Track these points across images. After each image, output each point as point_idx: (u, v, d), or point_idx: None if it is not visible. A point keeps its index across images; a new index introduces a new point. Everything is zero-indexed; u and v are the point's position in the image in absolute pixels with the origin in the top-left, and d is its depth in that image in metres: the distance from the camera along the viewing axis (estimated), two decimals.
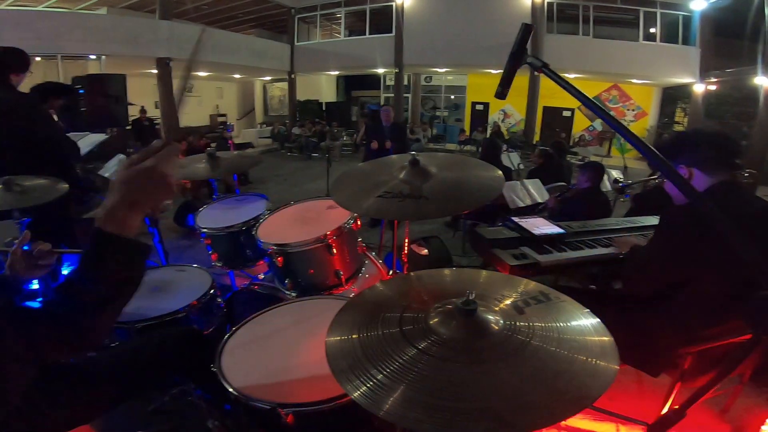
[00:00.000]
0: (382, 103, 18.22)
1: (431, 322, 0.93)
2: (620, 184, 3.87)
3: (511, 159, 6.57)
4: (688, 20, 13.36)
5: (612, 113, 0.93)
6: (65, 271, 2.79)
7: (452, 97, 18.51)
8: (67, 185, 2.23)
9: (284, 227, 2.06)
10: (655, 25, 13.55)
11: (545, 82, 13.35)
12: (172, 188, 0.89)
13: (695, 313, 1.58)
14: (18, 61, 2.58)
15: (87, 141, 3.82)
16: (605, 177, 4.22)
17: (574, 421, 1.99)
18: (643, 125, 15.51)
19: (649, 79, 14.42)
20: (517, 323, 0.92)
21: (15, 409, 1.04)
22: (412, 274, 1.25)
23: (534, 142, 14.08)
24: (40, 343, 0.85)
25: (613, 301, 1.88)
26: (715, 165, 1.59)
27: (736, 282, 1.41)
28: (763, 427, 1.91)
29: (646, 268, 1.71)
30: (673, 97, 15.73)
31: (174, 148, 0.90)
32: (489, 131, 15.49)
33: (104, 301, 0.86)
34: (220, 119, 16.77)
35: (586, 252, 2.23)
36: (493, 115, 17.16)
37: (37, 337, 0.85)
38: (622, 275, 1.84)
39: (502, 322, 0.92)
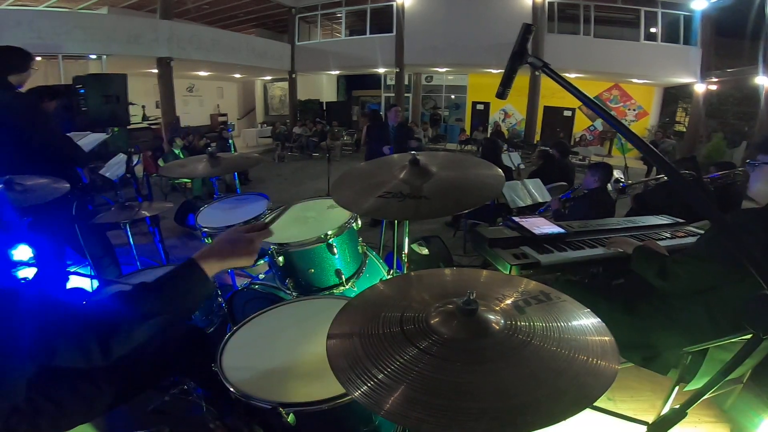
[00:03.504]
0: (383, 102, 18.21)
1: (432, 322, 0.93)
2: (621, 185, 3.86)
3: (512, 159, 6.57)
4: (689, 20, 13.32)
5: (613, 113, 0.93)
6: (71, 269, 2.80)
7: (453, 96, 18.49)
8: (67, 184, 2.23)
9: (285, 227, 2.07)
10: (656, 25, 13.52)
11: (546, 82, 13.33)
12: (252, 255, 1.14)
13: (718, 315, 1.58)
14: (17, 60, 2.56)
15: (88, 140, 3.82)
16: None
17: (574, 421, 1.99)
18: (644, 125, 15.49)
19: (650, 78, 14.39)
20: (518, 323, 0.92)
21: (18, 409, 1.05)
22: (412, 273, 1.25)
23: (535, 142, 14.08)
24: (62, 345, 0.88)
25: (620, 299, 1.89)
26: None
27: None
28: (762, 427, 1.91)
29: (692, 263, 1.64)
30: (674, 96, 15.70)
31: (268, 232, 1.20)
32: (489, 131, 15.49)
33: (155, 315, 0.99)
34: (221, 119, 16.76)
35: (587, 252, 2.23)
36: (494, 115, 17.15)
37: (57, 339, 0.88)
38: (660, 272, 1.72)
39: (502, 321, 0.92)
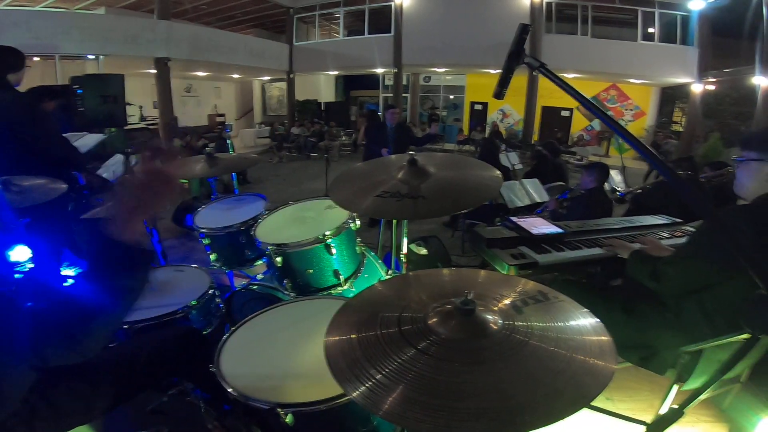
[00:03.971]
0: (380, 102, 18.20)
1: (430, 322, 0.93)
2: (618, 194, 3.86)
3: (510, 159, 6.58)
4: (686, 20, 13.37)
5: (610, 113, 0.93)
6: (65, 271, 2.79)
7: (451, 96, 18.51)
8: (65, 185, 2.22)
9: (283, 227, 2.06)
10: (653, 25, 13.56)
11: (544, 82, 13.33)
12: (175, 191, 0.90)
13: (713, 314, 1.58)
14: (12, 59, 2.58)
15: (85, 141, 3.80)
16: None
17: (573, 421, 1.99)
18: (642, 125, 15.52)
19: (647, 78, 14.43)
20: (516, 323, 0.92)
21: (14, 410, 1.04)
22: (410, 273, 1.25)
23: (532, 142, 14.09)
24: (44, 347, 0.86)
25: (618, 299, 1.89)
26: None
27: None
28: (761, 427, 1.91)
29: (683, 263, 1.64)
30: (671, 97, 15.75)
31: (175, 150, 0.95)
32: (488, 131, 15.50)
33: (101, 307, 0.87)
34: (219, 119, 16.74)
35: (585, 252, 2.24)
36: (492, 115, 17.16)
37: (42, 341, 0.85)
38: (652, 274, 1.72)
39: (500, 321, 0.92)
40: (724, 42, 12.66)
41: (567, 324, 0.94)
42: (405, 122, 10.25)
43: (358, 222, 1.97)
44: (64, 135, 2.99)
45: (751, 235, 1.43)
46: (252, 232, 2.02)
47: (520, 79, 12.49)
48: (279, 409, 1.08)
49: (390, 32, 15.12)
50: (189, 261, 2.30)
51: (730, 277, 1.52)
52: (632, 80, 14.94)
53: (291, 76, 17.18)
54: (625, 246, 2.09)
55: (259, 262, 2.30)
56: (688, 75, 13.44)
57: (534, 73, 0.92)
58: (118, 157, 4.58)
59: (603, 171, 3.71)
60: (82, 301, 0.86)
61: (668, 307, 1.72)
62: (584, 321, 0.95)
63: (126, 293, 0.90)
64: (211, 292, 2.04)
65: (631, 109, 15.97)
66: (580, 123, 16.24)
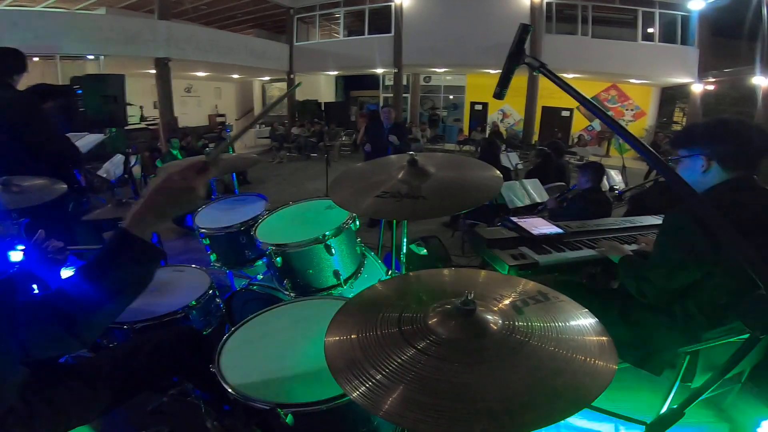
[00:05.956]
0: (381, 102, 18.20)
1: (430, 322, 0.93)
2: (617, 192, 3.88)
3: (510, 159, 6.58)
4: (686, 20, 13.37)
5: (610, 113, 0.93)
6: (64, 271, 2.79)
7: (451, 97, 18.51)
8: (65, 185, 2.22)
9: (283, 227, 2.06)
10: (653, 25, 13.56)
11: (544, 82, 13.34)
12: (196, 202, 0.98)
13: (698, 315, 1.58)
14: (18, 61, 2.59)
15: (85, 141, 3.81)
16: (604, 178, 4.21)
17: (573, 421, 1.99)
18: (642, 125, 15.52)
19: (647, 79, 14.44)
20: (516, 323, 0.92)
21: (13, 410, 1.04)
22: (410, 274, 1.25)
23: (533, 142, 14.09)
24: (31, 338, 0.86)
25: (616, 300, 1.89)
26: (735, 161, 1.52)
27: (738, 283, 1.41)
28: (761, 427, 1.91)
29: (653, 273, 1.65)
30: (671, 97, 15.74)
31: (211, 170, 1.02)
32: (488, 131, 15.50)
33: (106, 298, 0.90)
34: (219, 119, 16.74)
35: (585, 252, 2.24)
36: (492, 115, 17.16)
37: (29, 332, 0.86)
38: (637, 290, 1.73)
39: (500, 322, 0.92)
40: (725, 42, 12.66)
41: (567, 324, 0.94)
42: (404, 122, 10.27)
43: (358, 222, 1.98)
44: (65, 134, 2.99)
45: (701, 232, 1.44)
46: (252, 233, 2.02)
47: (520, 80, 12.50)
48: (279, 409, 1.08)
49: (390, 32, 15.12)
50: (189, 261, 2.29)
51: (707, 273, 1.52)
52: (632, 80, 14.94)
53: (291, 76, 17.17)
54: (615, 248, 2.06)
55: (259, 262, 2.30)
56: (688, 75, 13.44)
57: (534, 73, 0.92)
58: (119, 157, 4.59)
59: (597, 171, 3.72)
60: (78, 292, 0.88)
61: (662, 309, 1.72)
62: (584, 321, 0.95)
63: (127, 287, 0.93)
64: (211, 292, 2.04)
65: (632, 110, 15.96)
66: (580, 123, 16.23)
